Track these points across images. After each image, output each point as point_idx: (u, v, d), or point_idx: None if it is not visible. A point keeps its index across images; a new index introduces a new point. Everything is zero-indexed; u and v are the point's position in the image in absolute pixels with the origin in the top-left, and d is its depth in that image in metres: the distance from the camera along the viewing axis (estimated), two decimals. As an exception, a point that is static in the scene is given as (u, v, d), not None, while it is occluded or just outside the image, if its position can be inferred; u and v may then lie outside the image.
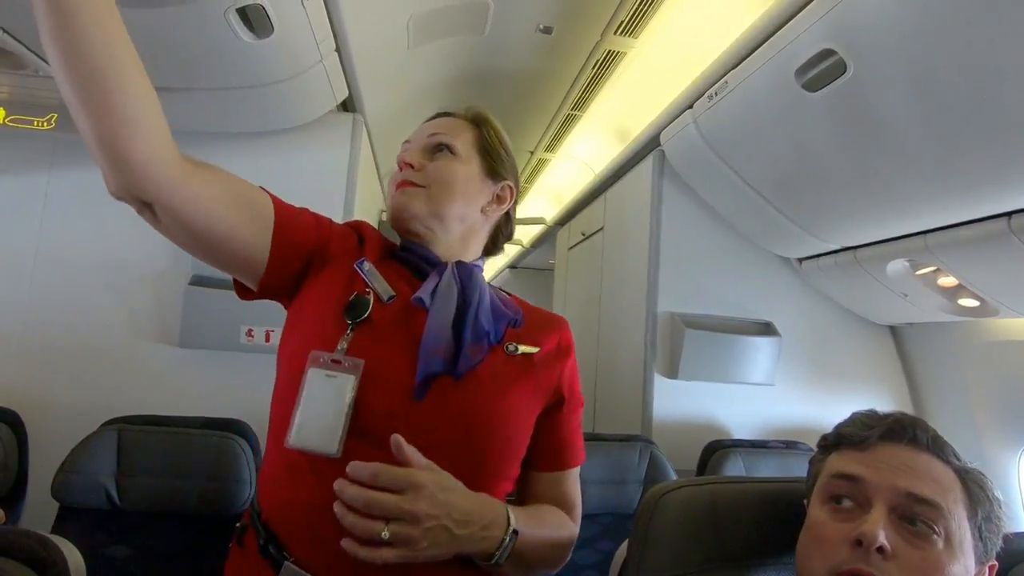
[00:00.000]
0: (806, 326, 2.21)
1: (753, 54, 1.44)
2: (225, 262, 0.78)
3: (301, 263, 0.80)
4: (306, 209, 0.84)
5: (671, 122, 1.93)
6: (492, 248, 0.95)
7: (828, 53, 1.22)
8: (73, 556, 0.83)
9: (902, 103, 1.20)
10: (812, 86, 1.31)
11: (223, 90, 1.60)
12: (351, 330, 0.74)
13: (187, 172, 0.69)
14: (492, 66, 2.19)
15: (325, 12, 1.46)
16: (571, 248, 3.26)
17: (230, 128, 1.90)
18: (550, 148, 2.95)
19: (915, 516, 0.63)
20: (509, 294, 0.91)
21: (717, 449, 1.83)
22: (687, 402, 2.05)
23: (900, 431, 0.68)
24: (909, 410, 2.07)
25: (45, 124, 1.72)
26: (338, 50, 1.66)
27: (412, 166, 0.85)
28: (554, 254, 3.74)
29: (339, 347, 0.73)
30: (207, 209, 0.71)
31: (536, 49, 2.08)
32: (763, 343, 2.07)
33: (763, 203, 1.83)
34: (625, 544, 0.88)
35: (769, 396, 2.13)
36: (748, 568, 0.75)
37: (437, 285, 0.80)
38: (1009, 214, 1.32)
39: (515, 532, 0.71)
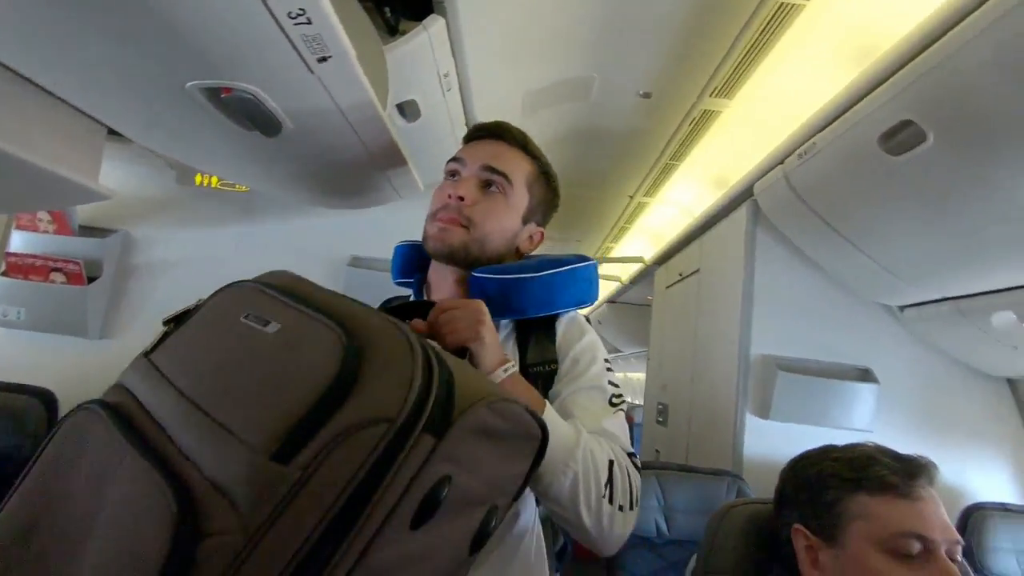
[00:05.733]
0: (909, 374, 2.18)
1: (836, 122, 1.56)
2: None
3: None
4: None
5: (763, 175, 2.05)
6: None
7: (907, 123, 1.33)
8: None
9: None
10: (895, 152, 1.42)
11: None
12: None
13: None
14: (596, 126, 2.45)
15: (460, 98, 1.80)
16: (668, 287, 3.38)
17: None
18: (649, 193, 3.13)
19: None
20: None
21: (808, 490, 1.87)
22: (778, 442, 2.11)
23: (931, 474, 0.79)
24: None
25: (241, 188, 2.20)
26: (467, 124, 1.99)
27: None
28: (652, 291, 3.86)
29: None
30: None
31: (636, 111, 2.30)
32: (860, 388, 2.08)
33: (856, 253, 1.89)
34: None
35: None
36: None
37: None
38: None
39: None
